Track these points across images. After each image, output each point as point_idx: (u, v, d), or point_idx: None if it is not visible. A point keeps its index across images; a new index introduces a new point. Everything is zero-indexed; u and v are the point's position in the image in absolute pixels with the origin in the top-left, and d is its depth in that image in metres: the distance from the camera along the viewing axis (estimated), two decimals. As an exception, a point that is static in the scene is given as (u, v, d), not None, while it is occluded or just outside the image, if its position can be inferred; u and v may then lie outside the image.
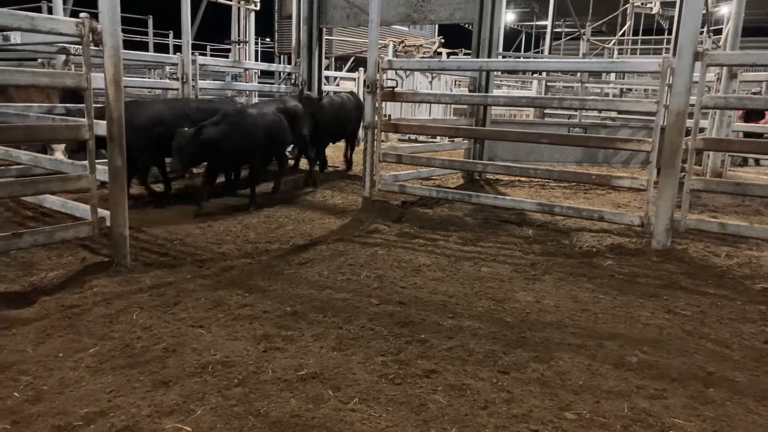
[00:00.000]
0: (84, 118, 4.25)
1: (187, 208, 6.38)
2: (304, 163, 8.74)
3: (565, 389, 2.93)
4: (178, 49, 10.28)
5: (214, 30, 20.30)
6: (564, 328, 3.67)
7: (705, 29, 14.19)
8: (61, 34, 4.21)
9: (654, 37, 21.73)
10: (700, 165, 9.42)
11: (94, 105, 4.23)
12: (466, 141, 8.83)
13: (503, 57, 11.34)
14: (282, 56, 19.46)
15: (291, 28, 11.76)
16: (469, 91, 8.96)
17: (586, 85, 15.33)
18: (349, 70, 18.01)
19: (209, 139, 6.02)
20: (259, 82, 14.33)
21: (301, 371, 3.01)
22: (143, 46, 17.63)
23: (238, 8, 16.54)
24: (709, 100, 5.49)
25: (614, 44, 20.60)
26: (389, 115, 11.54)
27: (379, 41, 7.21)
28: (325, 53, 11.96)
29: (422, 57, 16.82)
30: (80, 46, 4.13)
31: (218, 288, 4.15)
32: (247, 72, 14.58)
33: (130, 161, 4.75)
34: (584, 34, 18.63)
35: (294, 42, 10.72)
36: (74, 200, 5.08)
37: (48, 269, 4.40)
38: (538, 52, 25.59)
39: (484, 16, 8.17)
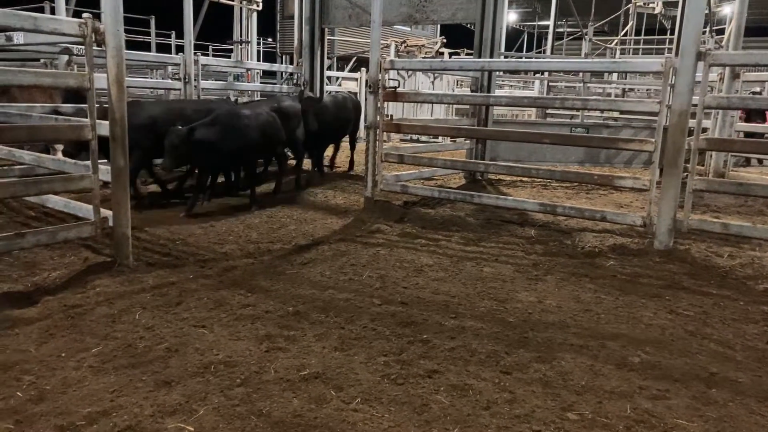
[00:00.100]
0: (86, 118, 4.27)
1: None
2: (307, 163, 8.74)
3: (567, 390, 2.92)
4: (180, 49, 10.27)
5: (217, 30, 20.31)
6: (566, 329, 3.66)
7: (707, 29, 14.18)
8: (64, 34, 4.22)
9: (656, 37, 21.73)
10: (703, 165, 9.40)
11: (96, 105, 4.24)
12: (468, 141, 8.84)
13: (505, 57, 11.30)
14: (284, 56, 19.44)
15: (293, 29, 11.78)
16: (471, 91, 8.95)
17: (589, 85, 15.34)
18: (351, 71, 18.00)
19: (202, 138, 6.00)
20: (261, 83, 14.34)
21: (304, 371, 3.01)
22: (145, 47, 17.63)
23: (240, 8, 16.53)
24: (711, 100, 5.49)
25: (616, 44, 20.59)
26: (391, 115, 11.52)
27: (381, 41, 7.20)
28: (327, 53, 11.95)
29: (424, 57, 16.83)
30: (83, 47, 4.14)
31: (221, 288, 4.16)
32: (249, 72, 14.60)
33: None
34: (586, 34, 18.65)
35: (296, 42, 10.72)
36: (77, 200, 5.09)
37: (51, 269, 4.40)
38: (540, 52, 25.59)
39: (486, 16, 8.16)
